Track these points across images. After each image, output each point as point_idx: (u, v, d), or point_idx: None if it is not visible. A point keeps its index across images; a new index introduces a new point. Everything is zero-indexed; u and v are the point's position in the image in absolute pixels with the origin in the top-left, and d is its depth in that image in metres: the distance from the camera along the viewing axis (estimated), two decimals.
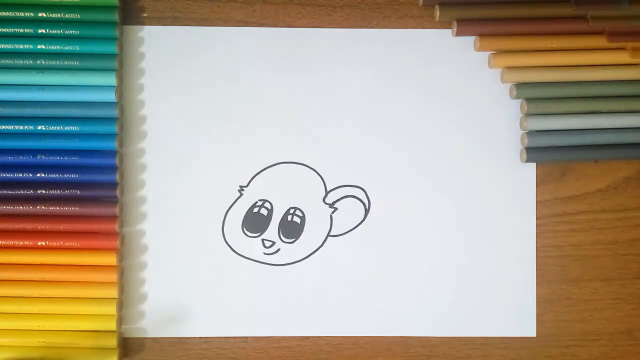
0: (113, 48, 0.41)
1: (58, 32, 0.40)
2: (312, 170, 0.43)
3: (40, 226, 0.41)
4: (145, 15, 0.42)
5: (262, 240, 0.43)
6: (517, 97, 0.42)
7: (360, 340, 0.43)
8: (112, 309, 0.41)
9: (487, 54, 0.42)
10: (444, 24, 0.42)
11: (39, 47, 0.40)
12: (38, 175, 0.41)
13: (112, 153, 0.41)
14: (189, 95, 0.42)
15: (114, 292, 0.41)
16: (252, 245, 0.42)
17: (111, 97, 0.41)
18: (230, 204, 0.42)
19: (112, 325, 0.41)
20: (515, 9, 0.41)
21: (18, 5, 0.40)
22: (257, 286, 0.42)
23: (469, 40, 0.42)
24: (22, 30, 0.40)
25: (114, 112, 0.41)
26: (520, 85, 0.42)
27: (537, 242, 0.43)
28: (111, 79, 0.40)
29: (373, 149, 0.42)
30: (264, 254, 0.43)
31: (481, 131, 0.43)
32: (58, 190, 0.41)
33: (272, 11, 0.42)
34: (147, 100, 0.42)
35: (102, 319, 0.41)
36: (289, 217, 0.43)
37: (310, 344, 0.43)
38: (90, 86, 0.41)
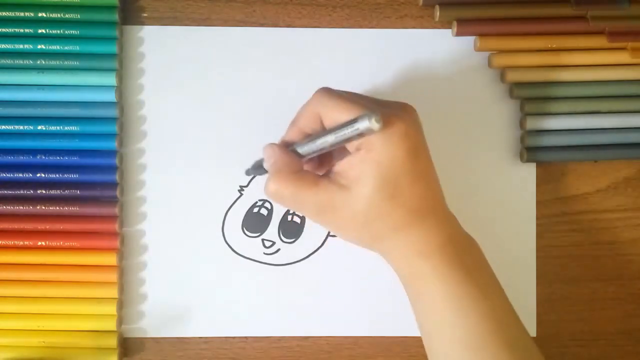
0: (113, 48, 0.41)
1: (58, 32, 0.40)
2: None
3: (40, 226, 0.41)
4: (145, 15, 0.42)
5: (262, 240, 0.43)
6: (517, 97, 0.42)
7: (360, 340, 0.43)
8: (112, 309, 0.41)
9: (487, 54, 0.42)
10: (444, 24, 0.42)
11: (39, 47, 0.40)
12: (38, 175, 0.41)
13: (112, 153, 0.41)
14: (189, 95, 0.42)
15: (114, 292, 0.41)
16: (252, 245, 0.42)
17: (111, 97, 0.41)
18: (230, 204, 0.42)
19: (112, 325, 0.41)
20: (515, 9, 0.41)
21: (18, 5, 0.40)
22: (257, 286, 0.42)
23: (469, 40, 0.42)
24: (22, 30, 0.40)
25: (114, 112, 0.41)
26: (520, 85, 0.42)
27: (537, 242, 0.43)
28: (111, 79, 0.40)
29: None
30: (264, 254, 0.43)
31: (481, 131, 0.43)
32: (58, 190, 0.41)
33: (272, 11, 0.42)
34: (147, 100, 0.42)
35: (102, 319, 0.41)
36: (289, 217, 0.43)
37: (310, 344, 0.43)
38: (90, 86, 0.41)
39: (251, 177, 0.42)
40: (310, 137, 0.34)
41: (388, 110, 0.33)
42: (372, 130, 0.30)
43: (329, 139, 0.32)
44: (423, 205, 0.34)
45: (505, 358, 0.33)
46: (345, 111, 0.32)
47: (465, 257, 0.34)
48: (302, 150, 0.34)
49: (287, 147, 0.35)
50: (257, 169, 0.38)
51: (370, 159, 0.32)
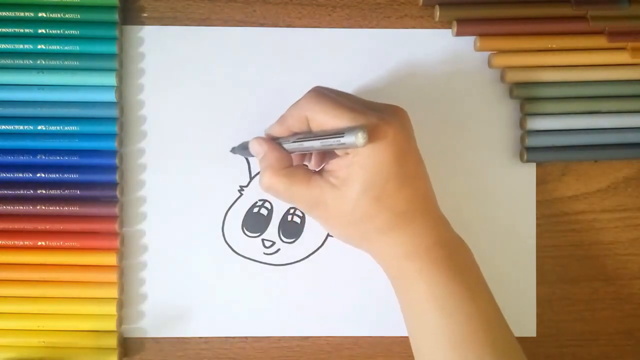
0: (113, 48, 0.41)
1: (58, 32, 0.40)
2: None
3: (40, 226, 0.41)
4: (145, 15, 0.42)
5: (262, 240, 0.43)
6: (517, 97, 0.42)
7: (360, 340, 0.43)
8: (112, 309, 0.41)
9: (487, 54, 0.42)
10: (444, 24, 0.42)
11: (39, 47, 0.40)
12: (38, 175, 0.41)
13: (112, 153, 0.41)
14: (189, 95, 0.42)
15: (114, 292, 0.41)
16: (252, 245, 0.42)
17: (111, 97, 0.41)
18: (230, 204, 0.42)
19: (112, 325, 0.41)
20: (515, 9, 0.41)
21: (18, 5, 0.40)
22: (257, 286, 0.42)
23: (469, 40, 0.42)
24: (22, 30, 0.40)
25: (114, 112, 0.41)
26: (520, 85, 0.42)
27: (537, 242, 0.43)
28: (111, 79, 0.40)
29: None
30: (264, 254, 0.43)
31: (481, 131, 0.43)
32: (58, 190, 0.41)
33: (272, 11, 0.42)
34: (147, 100, 0.42)
35: (102, 319, 0.41)
36: (289, 217, 0.43)
37: (310, 344, 0.43)
38: (90, 86, 0.41)
39: (250, 179, 0.42)
40: (296, 135, 0.34)
41: (377, 114, 0.32)
42: (357, 145, 0.30)
43: (315, 145, 0.32)
44: (410, 208, 0.34)
45: (489, 359, 0.33)
46: (333, 119, 0.32)
47: (453, 259, 0.34)
48: (288, 147, 0.35)
49: (274, 140, 0.36)
50: (243, 150, 0.38)
51: (357, 163, 0.32)
